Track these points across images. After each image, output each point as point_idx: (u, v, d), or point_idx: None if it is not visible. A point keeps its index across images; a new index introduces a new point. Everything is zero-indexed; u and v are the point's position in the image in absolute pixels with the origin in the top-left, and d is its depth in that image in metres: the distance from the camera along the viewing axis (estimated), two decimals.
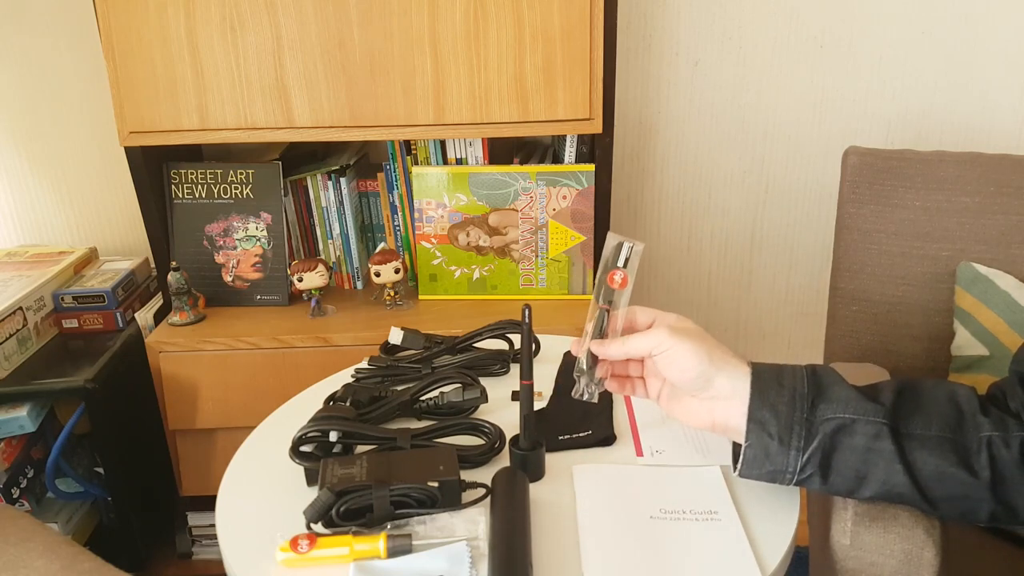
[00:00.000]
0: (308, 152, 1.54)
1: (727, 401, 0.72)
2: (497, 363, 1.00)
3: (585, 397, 0.77)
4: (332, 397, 0.91)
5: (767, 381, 0.72)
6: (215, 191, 1.45)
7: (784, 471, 0.71)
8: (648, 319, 0.77)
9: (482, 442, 0.83)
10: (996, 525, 1.01)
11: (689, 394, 0.75)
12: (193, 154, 1.54)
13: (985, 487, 0.69)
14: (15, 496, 1.33)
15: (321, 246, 1.52)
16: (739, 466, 0.73)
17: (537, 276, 1.47)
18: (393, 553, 0.69)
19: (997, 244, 1.20)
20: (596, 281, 0.77)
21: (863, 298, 1.28)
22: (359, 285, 1.55)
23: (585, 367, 0.77)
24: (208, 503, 1.09)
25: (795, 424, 0.70)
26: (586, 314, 0.78)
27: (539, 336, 1.05)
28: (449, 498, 0.73)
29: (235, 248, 1.47)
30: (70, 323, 1.48)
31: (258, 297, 1.49)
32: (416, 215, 1.45)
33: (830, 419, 0.70)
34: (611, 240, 0.77)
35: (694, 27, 1.56)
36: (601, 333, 0.76)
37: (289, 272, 1.43)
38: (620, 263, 0.76)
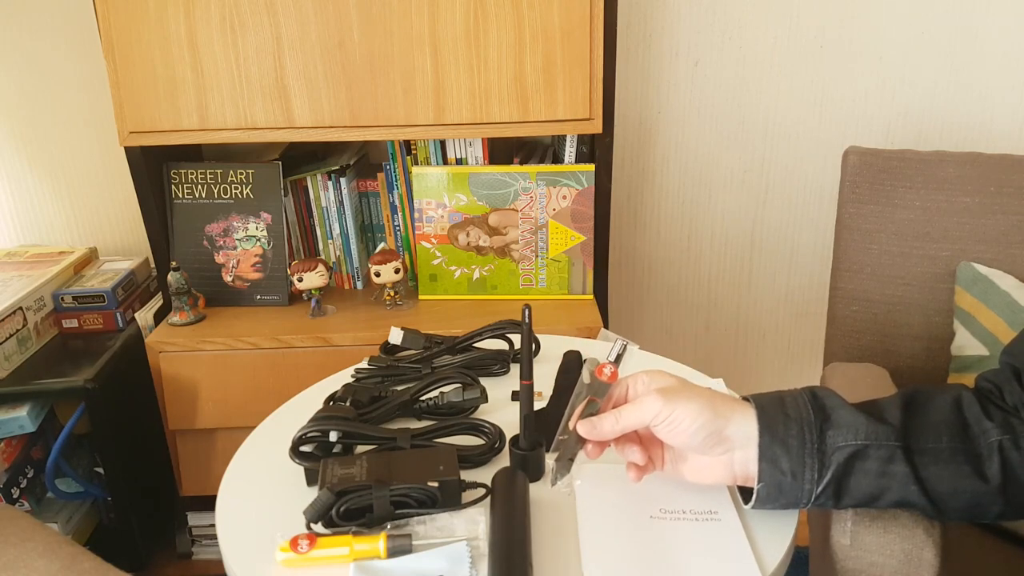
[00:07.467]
0: (308, 152, 1.54)
1: (744, 450, 0.70)
2: (497, 363, 1.00)
3: (561, 485, 0.74)
4: (332, 397, 0.91)
5: (772, 415, 0.70)
6: (215, 191, 1.45)
7: (797, 502, 0.70)
8: (621, 387, 0.74)
9: (482, 442, 0.83)
10: (1001, 522, 1.01)
11: (699, 454, 0.72)
12: (193, 154, 1.54)
13: (996, 491, 0.69)
14: (15, 496, 1.33)
15: (321, 246, 1.52)
16: (752, 502, 0.71)
17: (537, 276, 1.47)
18: (393, 553, 0.69)
19: (997, 244, 1.20)
20: (579, 378, 0.73)
21: (863, 298, 1.28)
22: (359, 285, 1.55)
23: (564, 457, 0.73)
24: (208, 503, 1.09)
25: (807, 457, 0.69)
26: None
27: (539, 336, 1.05)
28: (449, 498, 0.73)
29: (235, 248, 1.47)
30: (70, 323, 1.48)
31: (258, 297, 1.49)
32: (416, 215, 1.45)
33: (842, 447, 0.69)
34: (602, 337, 0.75)
35: (694, 27, 1.56)
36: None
37: (289, 272, 1.43)
38: (611, 358, 0.73)
